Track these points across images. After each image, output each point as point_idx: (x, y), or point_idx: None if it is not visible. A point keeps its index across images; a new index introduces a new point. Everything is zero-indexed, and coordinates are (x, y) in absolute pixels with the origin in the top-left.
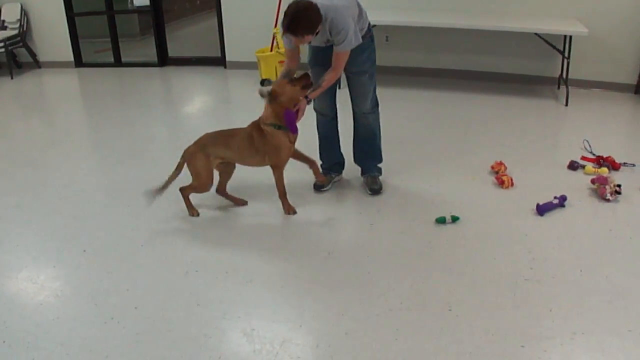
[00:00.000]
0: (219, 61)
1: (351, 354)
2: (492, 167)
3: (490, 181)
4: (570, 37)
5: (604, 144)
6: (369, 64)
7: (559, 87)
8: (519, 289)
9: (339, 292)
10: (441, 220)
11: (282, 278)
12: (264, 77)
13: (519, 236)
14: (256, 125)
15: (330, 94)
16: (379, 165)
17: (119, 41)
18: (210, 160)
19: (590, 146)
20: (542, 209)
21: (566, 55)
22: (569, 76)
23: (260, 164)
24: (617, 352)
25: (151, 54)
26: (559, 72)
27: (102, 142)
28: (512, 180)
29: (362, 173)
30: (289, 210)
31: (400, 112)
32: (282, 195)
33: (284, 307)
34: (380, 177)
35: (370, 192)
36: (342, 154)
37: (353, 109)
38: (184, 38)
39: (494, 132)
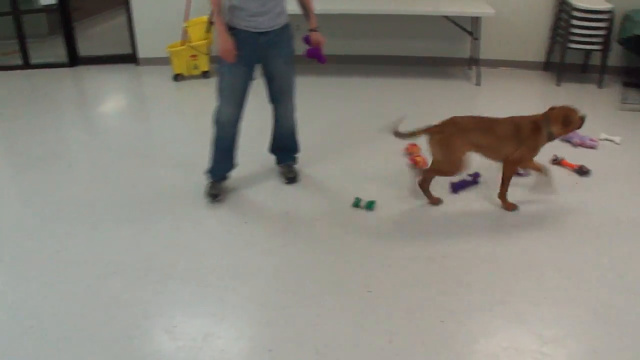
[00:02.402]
0: (131, 58)
1: (274, 343)
2: (406, 150)
3: (404, 163)
4: (478, 18)
5: None
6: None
7: (470, 68)
8: (437, 266)
9: (257, 282)
10: (357, 204)
11: (200, 273)
12: (176, 72)
13: (434, 215)
14: (534, 121)
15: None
16: (296, 154)
17: (26, 42)
18: (465, 145)
19: None
20: (457, 187)
21: (475, 36)
22: (480, 56)
23: (504, 157)
24: (534, 319)
25: (61, 54)
26: (470, 53)
27: (12, 150)
28: (425, 160)
29: (278, 162)
30: (510, 207)
31: (315, 100)
32: (506, 184)
33: (205, 302)
34: (295, 166)
35: (286, 181)
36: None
37: (277, 104)
38: (94, 36)
39: (409, 115)
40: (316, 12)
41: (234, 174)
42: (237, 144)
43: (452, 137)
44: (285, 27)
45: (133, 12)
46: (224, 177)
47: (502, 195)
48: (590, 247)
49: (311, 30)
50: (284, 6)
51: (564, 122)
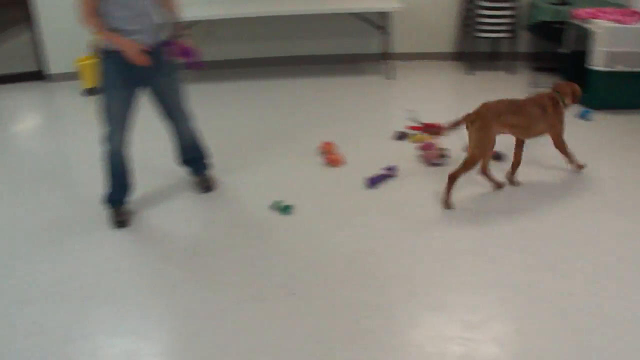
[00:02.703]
0: (39, 75)
1: (200, 355)
2: (321, 148)
3: (320, 162)
4: (387, 13)
5: (429, 111)
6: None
7: (382, 63)
8: (359, 262)
9: (181, 294)
10: (275, 207)
11: (119, 292)
12: (87, 87)
13: (352, 211)
14: (552, 97)
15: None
16: (208, 161)
17: None
18: (500, 127)
19: (415, 115)
20: (373, 182)
21: (386, 31)
22: (392, 50)
23: (541, 133)
24: (458, 306)
25: None
26: (381, 48)
27: None
28: (341, 157)
29: (191, 174)
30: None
31: (228, 106)
32: (568, 153)
33: (126, 320)
34: (209, 173)
35: (203, 191)
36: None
37: (173, 120)
38: None
39: (322, 114)
40: (232, 16)
41: (147, 189)
42: (130, 166)
43: (490, 122)
44: (165, 42)
45: (42, 27)
46: (124, 202)
47: (572, 161)
48: (507, 231)
49: (175, 37)
50: (159, 21)
51: (573, 93)
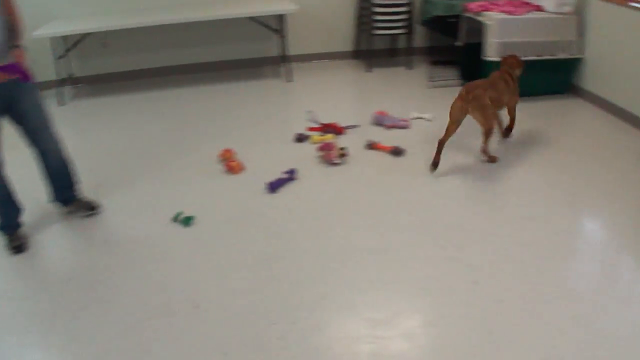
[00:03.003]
0: None
1: None
2: (220, 156)
3: (220, 170)
4: (282, 15)
5: (329, 112)
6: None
7: (280, 66)
8: (265, 269)
9: (86, 318)
10: (176, 218)
11: (23, 318)
12: None
13: (255, 218)
14: (507, 71)
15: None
16: (77, 187)
17: None
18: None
19: (315, 116)
20: (274, 186)
21: (282, 33)
22: (290, 53)
23: (504, 104)
24: (364, 305)
25: None
26: (279, 51)
27: None
28: (241, 164)
29: (67, 203)
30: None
31: (125, 119)
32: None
33: (31, 349)
34: (82, 197)
35: (89, 213)
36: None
37: (39, 147)
38: None
39: (222, 121)
40: (126, 26)
41: (35, 214)
42: (12, 188)
43: (482, 97)
44: (17, 63)
45: None
46: (18, 225)
47: (485, 150)
48: (409, 225)
49: (14, 46)
50: (8, 41)
51: (519, 64)
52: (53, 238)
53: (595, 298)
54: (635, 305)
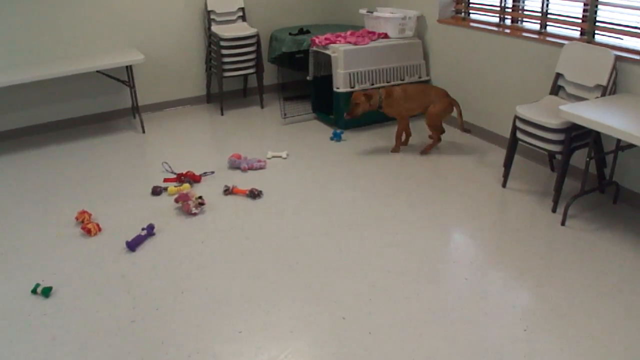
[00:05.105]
0: None
1: None
2: (76, 218)
3: (78, 233)
4: (130, 66)
5: (185, 160)
6: None
7: (134, 117)
8: (127, 333)
9: None
10: (34, 290)
11: None
12: None
13: (116, 280)
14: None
15: None
16: None
17: None
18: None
19: (170, 166)
20: (132, 244)
21: (131, 84)
22: (141, 103)
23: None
24: (233, 358)
25: None
26: (131, 102)
27: None
28: (98, 225)
29: None
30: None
31: None
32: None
33: None
34: None
35: None
36: None
37: None
38: None
39: (76, 180)
40: None
41: None
42: None
43: (397, 99)
44: None
45: None
46: None
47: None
48: (273, 269)
49: None
50: None
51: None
52: None
53: (466, 315)
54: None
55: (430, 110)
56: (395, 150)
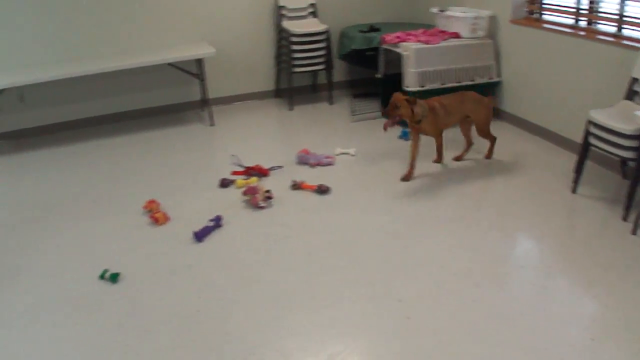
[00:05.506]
0: None
1: None
2: (145, 207)
3: (145, 222)
4: (201, 59)
5: (253, 154)
6: None
7: (203, 109)
8: (193, 322)
9: None
10: (103, 275)
11: None
12: None
13: (182, 269)
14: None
15: None
16: None
17: None
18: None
19: (239, 159)
20: (200, 235)
21: (202, 77)
22: (211, 96)
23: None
24: (298, 352)
25: None
26: (200, 95)
27: None
28: (166, 215)
29: None
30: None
31: (46, 175)
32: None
33: None
34: None
35: None
36: None
37: None
38: None
39: (146, 170)
40: (43, 80)
41: None
42: None
43: (439, 115)
44: None
45: None
46: None
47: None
48: (339, 265)
49: None
50: None
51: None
52: None
53: (531, 321)
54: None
55: (477, 121)
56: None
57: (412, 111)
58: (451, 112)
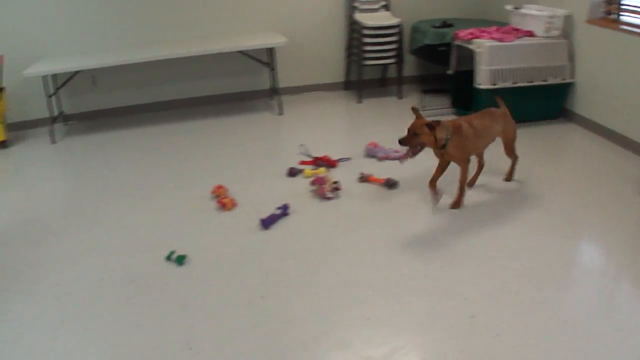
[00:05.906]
0: None
1: None
2: (212, 192)
3: (213, 207)
4: (272, 49)
5: (321, 145)
6: None
7: (272, 98)
8: (257, 308)
9: None
10: (169, 257)
11: None
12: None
13: (248, 255)
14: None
15: None
16: None
17: None
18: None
19: (307, 149)
20: (267, 222)
21: (272, 66)
22: (280, 85)
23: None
24: (360, 342)
25: None
26: (270, 84)
27: None
28: (233, 200)
29: None
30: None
31: (115, 156)
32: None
33: None
34: None
35: None
36: None
37: None
38: None
39: (214, 156)
40: (116, 63)
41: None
42: None
43: (467, 137)
44: None
45: None
46: None
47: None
48: (405, 260)
49: None
50: None
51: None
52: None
53: (594, 328)
54: (635, 335)
55: (508, 140)
56: (455, 206)
57: (435, 138)
58: (481, 135)
